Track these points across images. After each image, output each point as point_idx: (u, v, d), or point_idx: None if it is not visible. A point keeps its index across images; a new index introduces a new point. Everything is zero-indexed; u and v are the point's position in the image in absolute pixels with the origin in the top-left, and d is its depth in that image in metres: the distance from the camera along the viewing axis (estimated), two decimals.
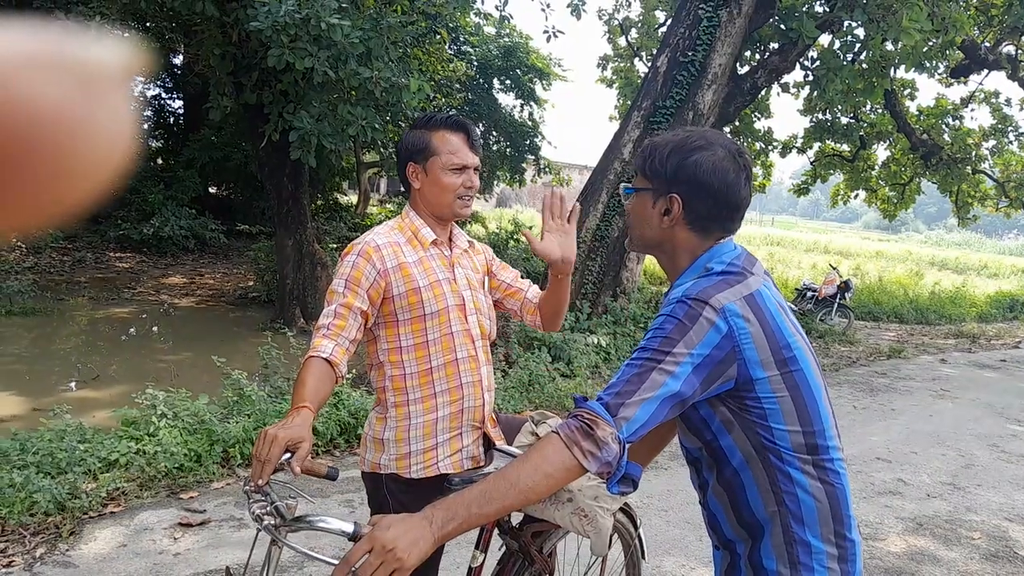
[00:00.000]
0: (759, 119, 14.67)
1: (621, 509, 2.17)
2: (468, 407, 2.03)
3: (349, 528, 1.46)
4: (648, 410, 1.30)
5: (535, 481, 1.28)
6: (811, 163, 16.48)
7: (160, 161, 17.36)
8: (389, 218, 10.15)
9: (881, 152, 16.49)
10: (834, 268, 13.00)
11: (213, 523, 3.56)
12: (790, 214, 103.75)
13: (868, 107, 14.58)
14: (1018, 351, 11.07)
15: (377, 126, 8.01)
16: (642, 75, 14.89)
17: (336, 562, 1.31)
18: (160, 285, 11.24)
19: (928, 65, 10.65)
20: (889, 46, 9.52)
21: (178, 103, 18.71)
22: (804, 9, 9.19)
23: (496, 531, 2.11)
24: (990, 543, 4.04)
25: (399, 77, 7.50)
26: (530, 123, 17.52)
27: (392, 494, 1.99)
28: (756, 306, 1.37)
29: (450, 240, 2.12)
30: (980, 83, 15.05)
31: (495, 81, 17.12)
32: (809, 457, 1.37)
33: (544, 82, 17.47)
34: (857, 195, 17.41)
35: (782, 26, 9.20)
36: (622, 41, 15.18)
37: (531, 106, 17.67)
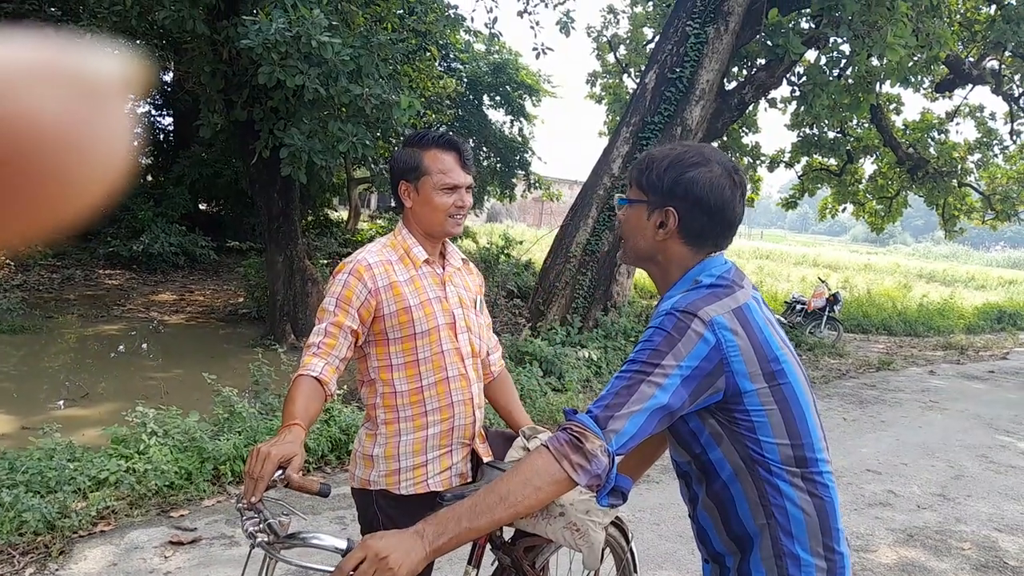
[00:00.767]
0: (747, 134, 14.78)
1: (613, 523, 2.18)
2: (458, 425, 2.04)
3: (342, 544, 1.47)
4: (637, 423, 1.31)
5: (525, 495, 1.29)
6: (799, 177, 16.61)
7: (150, 178, 17.32)
8: (380, 234, 10.22)
9: (868, 166, 16.66)
10: (823, 281, 13.08)
11: (204, 541, 3.55)
12: (779, 227, 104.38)
13: (855, 122, 14.73)
14: (1006, 362, 11.15)
15: (368, 142, 8.03)
16: (631, 91, 15.01)
17: (331, 570, 1.32)
18: (150, 302, 11.20)
19: (913, 80, 10.77)
20: (875, 61, 9.64)
21: (168, 120, 18.70)
22: (790, 26, 9.30)
23: (488, 546, 2.11)
24: (980, 553, 4.06)
25: (389, 94, 7.53)
26: (520, 139, 17.61)
27: (382, 510, 1.99)
28: (744, 319, 1.39)
29: (442, 257, 2.13)
30: (964, 97, 15.24)
31: (485, 97, 17.23)
32: (798, 470, 1.39)
33: (534, 98, 17.59)
34: (845, 208, 17.54)
35: (768, 42, 9.30)
36: (611, 58, 15.30)
37: (521, 122, 17.77)
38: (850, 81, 10.31)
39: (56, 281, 11.71)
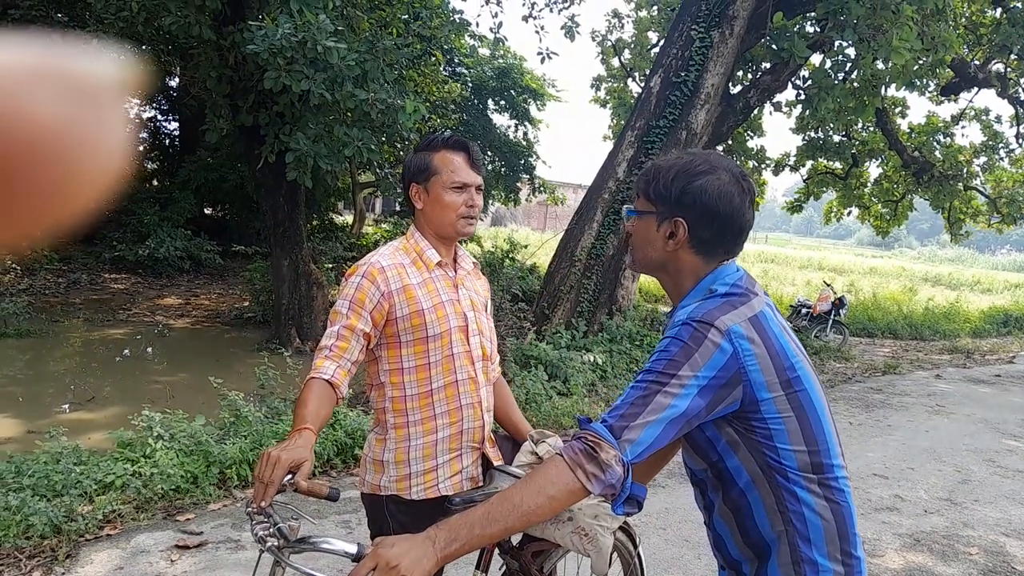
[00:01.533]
0: (752, 138, 14.77)
1: (621, 528, 2.17)
2: (468, 428, 2.03)
3: (352, 549, 1.46)
4: (652, 433, 1.31)
5: (538, 503, 1.29)
6: (804, 181, 16.59)
7: (156, 182, 17.38)
8: (385, 238, 10.22)
9: (873, 169, 16.63)
10: (828, 285, 13.05)
11: (210, 545, 3.55)
12: (783, 231, 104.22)
13: (860, 125, 14.71)
14: (1012, 366, 11.11)
15: (373, 147, 8.04)
16: (635, 95, 15.01)
17: None
18: (155, 306, 11.22)
19: (918, 83, 10.77)
20: (880, 65, 9.63)
21: (174, 125, 18.77)
22: (795, 29, 9.30)
23: (496, 551, 2.11)
24: (988, 558, 4.04)
25: (395, 98, 7.54)
26: (524, 143, 17.61)
27: (392, 515, 1.99)
28: (760, 327, 1.39)
29: (454, 260, 2.13)
30: (970, 101, 15.21)
31: (489, 102, 17.23)
32: (815, 476, 1.38)
33: (538, 102, 17.58)
34: (850, 212, 17.51)
35: (773, 46, 9.30)
36: (615, 62, 15.31)
37: (525, 126, 17.77)
38: (855, 85, 10.30)
39: (62, 285, 11.75)
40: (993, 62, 13.26)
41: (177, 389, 6.98)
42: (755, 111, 11.12)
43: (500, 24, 10.69)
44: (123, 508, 3.64)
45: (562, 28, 10.10)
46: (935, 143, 15.40)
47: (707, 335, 1.35)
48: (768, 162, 15.45)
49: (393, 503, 1.99)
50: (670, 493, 4.58)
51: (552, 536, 1.91)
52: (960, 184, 15.20)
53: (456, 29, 10.88)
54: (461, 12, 11.23)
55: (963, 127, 15.75)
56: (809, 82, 10.40)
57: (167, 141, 18.92)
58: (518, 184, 17.85)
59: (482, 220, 30.72)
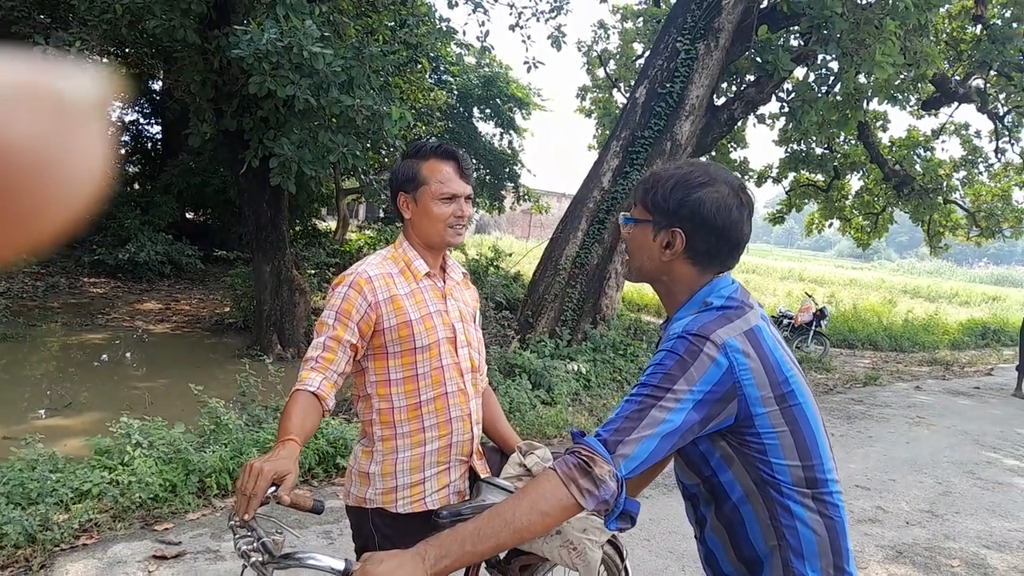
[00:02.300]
0: (735, 149, 14.87)
1: (608, 540, 2.15)
2: (457, 441, 2.00)
3: (340, 565, 1.43)
4: (647, 448, 1.30)
5: (531, 520, 1.27)
6: (786, 192, 16.71)
7: (137, 186, 17.21)
8: (368, 244, 10.14)
9: (855, 182, 16.79)
10: (809, 296, 13.14)
11: (188, 555, 3.49)
12: (764, 242, 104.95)
13: (842, 138, 14.86)
14: (991, 378, 11.22)
15: (358, 153, 8.01)
16: (620, 105, 15.08)
17: None
18: (135, 311, 11.09)
19: (900, 98, 10.88)
20: (862, 79, 9.73)
21: (156, 128, 18.62)
22: (780, 43, 9.38)
23: (483, 565, 2.08)
24: (969, 571, 4.06)
25: (381, 105, 7.52)
26: (509, 151, 17.65)
27: (378, 529, 1.96)
28: (756, 341, 1.38)
29: (443, 270, 2.11)
30: (950, 115, 15.43)
31: (475, 110, 17.26)
32: (809, 491, 1.37)
33: (523, 111, 17.63)
34: (831, 224, 17.66)
35: (758, 59, 9.37)
36: (600, 72, 15.38)
37: (510, 135, 17.81)
38: (838, 98, 10.40)
39: (40, 289, 11.59)
40: (973, 77, 13.43)
41: (156, 395, 6.89)
42: (739, 123, 11.19)
43: (487, 33, 10.69)
44: (100, 517, 3.57)
45: (549, 38, 10.10)
46: (915, 157, 15.58)
47: (703, 349, 1.34)
48: (751, 173, 15.55)
49: (378, 516, 1.96)
50: (655, 504, 4.57)
51: (540, 550, 1.89)
52: (940, 198, 15.38)
53: (443, 37, 10.87)
54: (448, 20, 11.25)
55: (943, 141, 16.04)
56: (793, 95, 10.48)
57: (149, 145, 18.77)
58: (502, 192, 17.87)
59: (466, 228, 30.67)
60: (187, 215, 17.29)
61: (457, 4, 10.53)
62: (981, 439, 7.08)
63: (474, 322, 2.14)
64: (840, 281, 30.18)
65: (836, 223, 17.52)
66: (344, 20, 8.73)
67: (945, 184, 15.41)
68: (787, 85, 11.08)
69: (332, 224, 20.99)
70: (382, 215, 19.65)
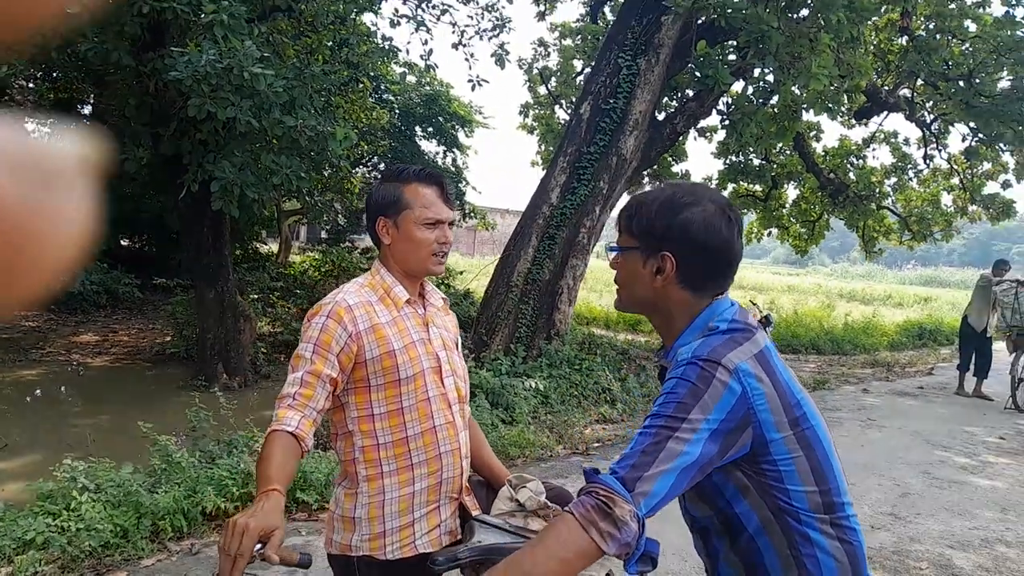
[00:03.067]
0: (676, 163, 15.08)
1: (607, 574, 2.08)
2: (447, 478, 1.90)
3: None
4: (667, 483, 1.23)
5: (550, 568, 1.19)
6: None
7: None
8: (313, 266, 9.87)
9: (791, 191, 17.18)
10: (754, 303, 13.25)
11: None
12: None
13: (778, 149, 15.20)
14: (932, 378, 11.55)
15: (302, 174, 7.86)
16: (563, 122, 15.17)
17: None
18: (71, 344, 10.65)
19: (834, 108, 11.18)
20: (797, 91, 9.97)
21: None
22: (719, 57, 9.54)
23: None
24: (938, 572, 4.11)
25: (324, 125, 7.40)
26: (454, 169, 17.59)
27: None
28: (767, 364, 1.33)
29: (422, 297, 2.02)
30: (880, 124, 15.91)
31: (418, 128, 17.20)
32: (827, 516, 1.33)
33: (466, 129, 17.63)
34: (770, 232, 18.03)
35: (698, 73, 9.51)
36: (542, 89, 15.45)
37: (454, 153, 17.78)
38: (775, 110, 10.63)
39: None
40: (902, 87, 13.90)
41: (98, 432, 6.57)
42: (681, 137, 11.34)
43: (431, 51, 10.65)
44: (46, 569, 3.34)
45: (492, 55, 10.11)
46: (849, 165, 16.05)
47: (715, 374, 1.28)
48: None
49: (366, 565, 1.83)
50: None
51: None
52: (873, 204, 15.84)
53: (384, 55, 10.79)
54: (391, 39, 11.18)
55: (874, 149, 16.58)
56: (733, 108, 10.67)
57: None
58: None
59: None
60: (122, 242, 16.76)
61: (400, 23, 10.46)
62: (931, 439, 7.25)
63: (457, 349, 2.05)
64: (779, 287, 30.82)
65: (775, 231, 17.89)
66: (284, 40, 8.60)
67: (878, 191, 15.88)
68: (726, 99, 11.28)
69: (274, 247, 20.60)
70: (325, 236, 19.37)
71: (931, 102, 14.31)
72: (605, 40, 9.63)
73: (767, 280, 36.24)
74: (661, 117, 10.08)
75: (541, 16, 14.19)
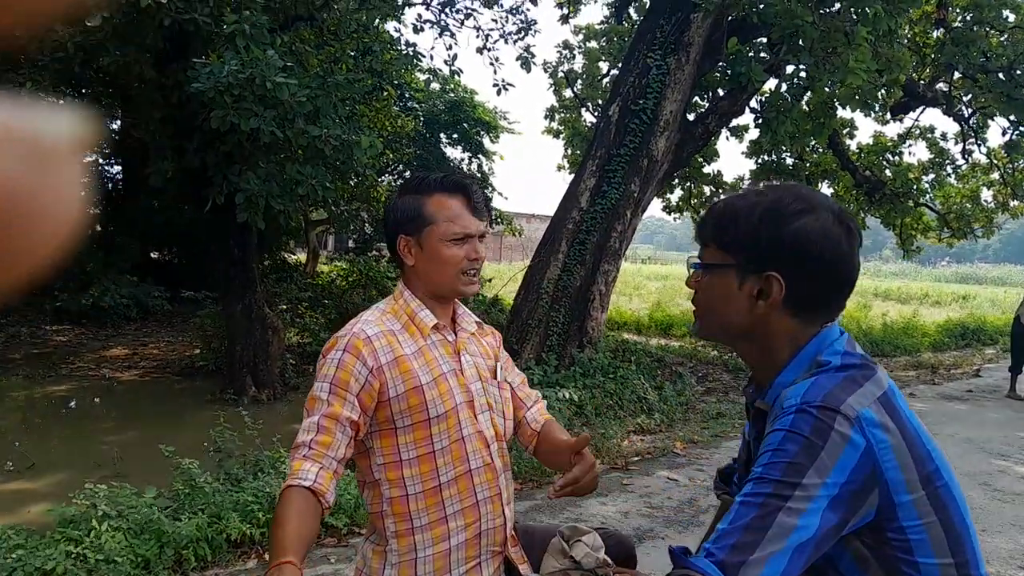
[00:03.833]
0: (707, 163, 14.79)
1: None
2: (487, 529, 1.68)
3: None
4: (777, 568, 1.01)
5: None
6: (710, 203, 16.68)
7: (99, 228, 16.74)
8: (341, 276, 9.72)
9: (826, 190, 16.77)
10: None
11: None
12: None
13: (811, 147, 14.85)
14: (980, 380, 11.14)
15: (327, 184, 7.76)
16: (589, 125, 14.97)
17: None
18: (101, 358, 10.64)
19: (871, 104, 10.85)
20: (831, 88, 9.68)
21: (116, 168, 18.16)
22: (750, 55, 9.28)
23: None
24: None
25: (349, 134, 7.29)
26: (479, 175, 17.46)
27: None
28: (892, 409, 1.10)
29: (453, 321, 1.80)
30: (915, 120, 15.49)
31: (442, 135, 17.09)
32: None
33: (491, 134, 17.49)
34: None
35: (729, 71, 9.26)
36: (567, 92, 15.25)
37: (479, 159, 17.65)
38: (810, 107, 10.34)
39: (0, 340, 11.11)
40: (939, 81, 13.51)
41: (126, 449, 6.48)
42: (713, 136, 11.09)
43: (455, 56, 10.49)
44: None
45: (517, 59, 9.93)
46: (884, 162, 15.64)
47: (833, 425, 1.05)
48: (725, 187, 15.49)
49: None
50: (673, 544, 4.29)
51: None
52: (910, 201, 15.41)
53: (408, 62, 10.67)
54: (415, 45, 11.13)
55: (910, 145, 16.03)
56: (766, 106, 10.39)
57: (110, 185, 18.29)
58: None
59: None
60: (151, 255, 16.84)
61: (424, 29, 10.35)
62: (987, 446, 6.91)
63: (494, 378, 1.82)
64: None
65: None
66: (307, 49, 8.50)
67: (915, 188, 15.46)
68: (758, 97, 11.01)
69: (302, 256, 20.60)
70: (352, 245, 19.32)
71: (969, 95, 13.89)
72: (633, 40, 9.42)
73: None
74: (692, 117, 9.83)
75: (565, 19, 14.00)
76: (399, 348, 1.63)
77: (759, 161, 15.15)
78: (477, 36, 10.42)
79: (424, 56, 10.92)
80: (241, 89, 6.23)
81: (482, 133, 17.33)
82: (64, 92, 11.83)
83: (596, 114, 14.34)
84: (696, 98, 10.67)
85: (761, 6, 7.82)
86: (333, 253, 25.46)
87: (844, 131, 15.04)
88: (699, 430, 7.07)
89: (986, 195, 16.31)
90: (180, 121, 7.53)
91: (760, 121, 10.19)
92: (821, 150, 14.95)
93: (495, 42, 10.39)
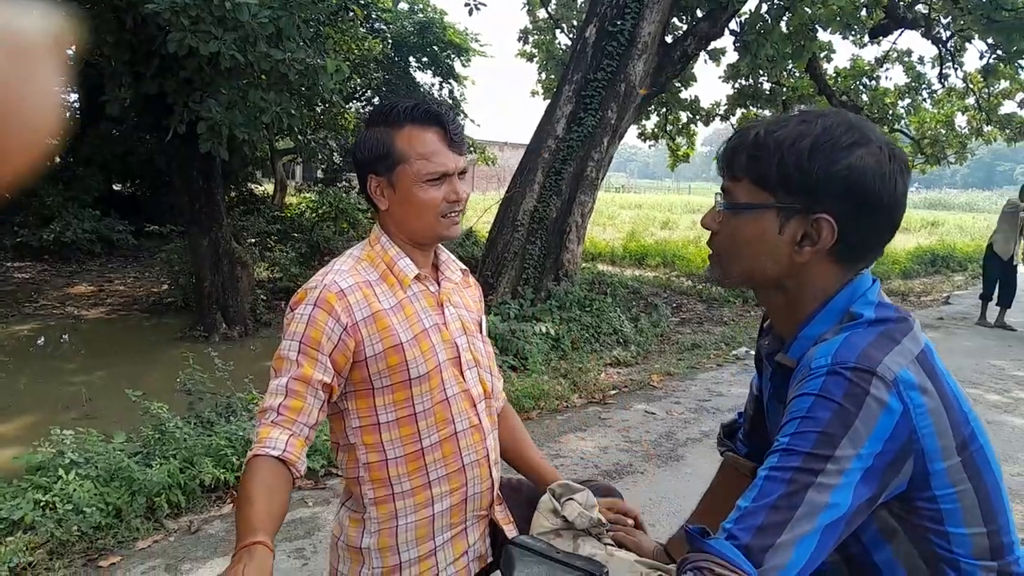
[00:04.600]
0: (684, 88, 14.50)
1: None
2: (473, 493, 1.55)
3: None
4: (807, 550, 0.90)
5: None
6: (735, 130, 16.45)
7: (58, 160, 16.16)
8: (310, 208, 9.46)
9: None
10: None
11: None
12: (704, 180, 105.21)
13: (789, 71, 14.59)
14: (950, 307, 11.25)
15: (293, 112, 7.45)
16: (564, 48, 14.53)
17: None
18: (66, 296, 10.35)
19: (853, 26, 10.60)
20: (809, 9, 9.41)
21: (73, 97, 17.42)
22: None
23: None
24: None
25: (314, 58, 6.96)
26: (451, 101, 17.00)
27: None
28: (931, 369, 0.98)
29: (435, 268, 1.62)
30: (893, 43, 15.25)
31: (411, 59, 16.54)
32: (994, 563, 1.01)
33: (462, 58, 16.95)
34: None
35: None
36: (541, 13, 14.76)
37: (451, 84, 17.14)
38: (791, 29, 10.07)
39: None
40: (918, 2, 13.25)
41: (95, 389, 6.33)
42: (692, 60, 10.79)
43: None
44: (34, 557, 3.08)
45: None
46: (861, 87, 15.46)
47: (869, 389, 0.93)
48: (701, 113, 15.26)
49: None
50: (651, 480, 4.27)
51: None
52: (886, 127, 15.30)
53: None
54: None
55: (887, 69, 15.85)
56: (746, 27, 10.10)
57: (67, 114, 17.58)
58: None
59: None
60: (114, 187, 16.31)
61: None
62: (958, 374, 6.92)
63: (480, 332, 1.67)
64: None
65: None
66: None
67: (891, 113, 15.34)
68: (737, 18, 10.69)
69: (269, 188, 20.14)
70: (321, 176, 18.88)
71: (948, 18, 13.65)
72: None
73: None
74: (670, 40, 9.52)
75: None
76: (376, 302, 1.46)
77: (736, 86, 14.89)
78: None
79: None
80: (199, 10, 5.89)
81: (453, 56, 16.78)
82: None
83: (571, 36, 13.91)
84: (674, 19, 10.33)
85: None
86: (301, 184, 24.93)
87: (822, 55, 14.78)
88: (675, 362, 7.04)
89: (960, 121, 16.25)
90: (136, 45, 7.12)
91: (739, 44, 9.90)
92: (798, 74, 14.70)
93: None
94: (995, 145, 16.94)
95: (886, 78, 18.04)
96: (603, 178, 9.03)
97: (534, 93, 16.22)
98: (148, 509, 3.43)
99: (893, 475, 0.95)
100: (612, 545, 1.51)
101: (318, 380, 1.39)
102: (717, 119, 15.87)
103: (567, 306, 7.84)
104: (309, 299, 1.44)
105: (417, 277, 1.54)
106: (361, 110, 17.22)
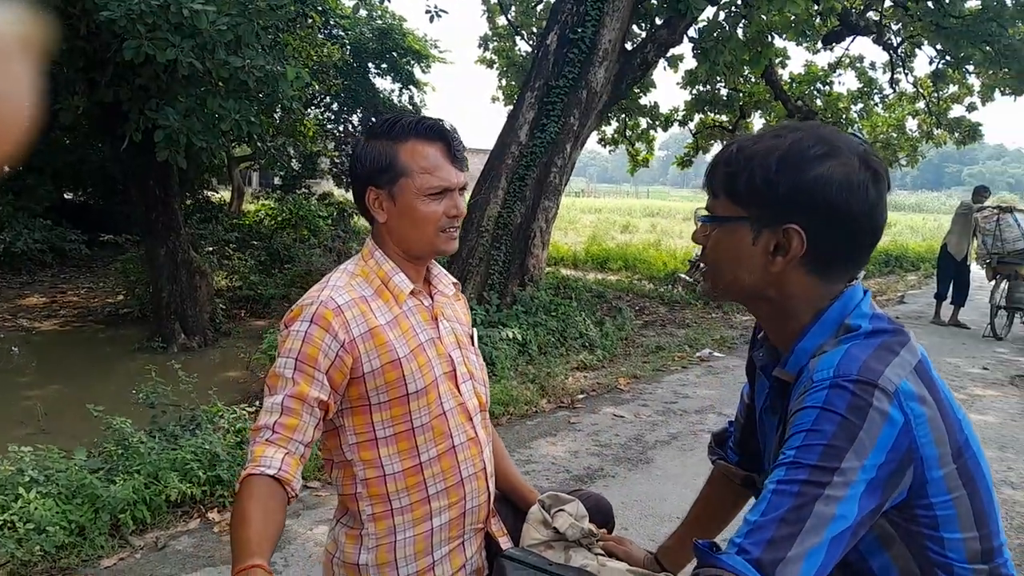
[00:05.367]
0: (643, 94, 14.64)
1: None
2: (472, 507, 1.54)
3: None
4: (815, 562, 0.91)
5: None
6: (693, 135, 16.65)
7: (7, 169, 15.73)
8: (269, 215, 9.34)
9: (758, 121, 16.87)
10: None
11: None
12: (660, 184, 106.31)
13: (745, 77, 14.84)
14: (905, 306, 11.49)
15: (252, 119, 7.34)
16: (524, 54, 14.58)
17: None
18: (16, 308, 10.07)
19: (808, 33, 10.82)
20: (765, 17, 9.56)
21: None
22: None
23: None
24: None
25: (273, 65, 6.87)
26: (411, 107, 16.95)
27: None
28: (928, 379, 1.00)
29: (428, 283, 1.62)
30: (846, 49, 15.65)
31: (371, 65, 16.46)
32: (985, 566, 1.03)
33: (422, 64, 16.92)
34: None
35: None
36: (501, 20, 14.79)
37: (410, 90, 17.10)
38: (748, 36, 10.23)
39: None
40: (870, 9, 13.58)
41: (51, 404, 6.16)
42: (651, 67, 10.90)
43: None
44: None
45: None
46: (816, 92, 15.79)
47: (872, 402, 0.95)
48: (660, 119, 15.43)
49: None
50: (622, 484, 4.29)
51: None
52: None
53: None
54: None
55: (839, 75, 16.22)
56: (704, 34, 10.23)
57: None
58: None
59: None
60: (65, 196, 15.92)
61: None
62: None
63: (472, 344, 1.67)
64: None
65: None
66: None
67: (844, 117, 15.69)
68: (696, 26, 10.83)
69: (226, 195, 19.85)
70: (279, 182, 18.66)
71: (899, 24, 14.00)
72: None
73: None
74: (630, 47, 9.61)
75: None
76: (373, 318, 1.45)
77: (693, 92, 15.08)
78: None
79: None
80: (155, 17, 5.79)
81: (412, 63, 16.74)
82: None
83: (531, 43, 13.96)
84: (634, 26, 10.44)
85: None
86: (258, 190, 24.61)
87: (777, 61, 15.05)
88: (640, 365, 7.09)
89: (911, 124, 16.68)
90: (90, 53, 6.97)
91: (698, 51, 10.03)
92: (754, 80, 14.96)
93: None
94: (944, 148, 17.40)
95: (839, 83, 18.46)
96: (566, 183, 9.07)
97: (494, 99, 16.24)
98: (113, 526, 3.34)
99: (895, 485, 0.97)
100: (603, 555, 1.52)
101: (314, 398, 1.37)
102: (675, 124, 16.06)
103: (533, 311, 7.86)
104: (305, 315, 1.42)
105: (412, 292, 1.53)
106: (320, 116, 17.07)
